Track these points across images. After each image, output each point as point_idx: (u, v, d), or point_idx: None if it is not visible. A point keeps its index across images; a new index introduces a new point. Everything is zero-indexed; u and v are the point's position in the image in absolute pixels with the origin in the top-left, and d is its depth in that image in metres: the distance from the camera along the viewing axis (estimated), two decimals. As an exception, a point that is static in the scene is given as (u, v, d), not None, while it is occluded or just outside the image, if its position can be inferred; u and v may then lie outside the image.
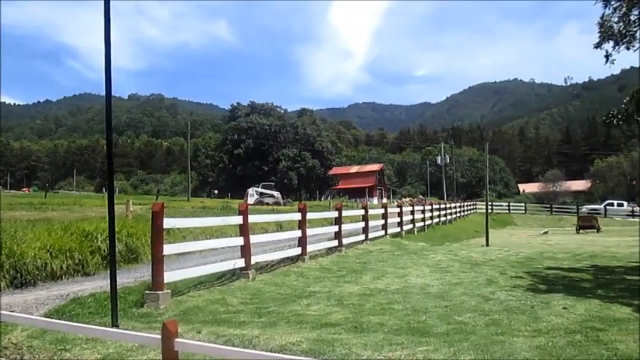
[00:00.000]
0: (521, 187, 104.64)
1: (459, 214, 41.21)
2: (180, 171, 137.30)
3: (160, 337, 3.75)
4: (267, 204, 49.41)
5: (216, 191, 79.54)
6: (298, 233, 12.24)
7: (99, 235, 13.37)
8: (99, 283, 11.44)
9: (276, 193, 58.74)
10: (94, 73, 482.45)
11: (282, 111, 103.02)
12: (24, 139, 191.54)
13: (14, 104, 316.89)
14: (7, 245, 10.93)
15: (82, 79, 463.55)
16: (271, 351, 5.00)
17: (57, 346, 5.29)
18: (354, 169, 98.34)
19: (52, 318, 6.65)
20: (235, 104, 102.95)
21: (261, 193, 56.78)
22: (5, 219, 17.28)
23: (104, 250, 13.15)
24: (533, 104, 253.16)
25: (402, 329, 6.21)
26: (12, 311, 6.44)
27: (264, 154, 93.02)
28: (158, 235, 7.33)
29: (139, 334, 4.08)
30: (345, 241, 15.08)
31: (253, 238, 10.07)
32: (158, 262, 7.31)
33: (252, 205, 46.88)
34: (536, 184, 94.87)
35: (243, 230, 9.65)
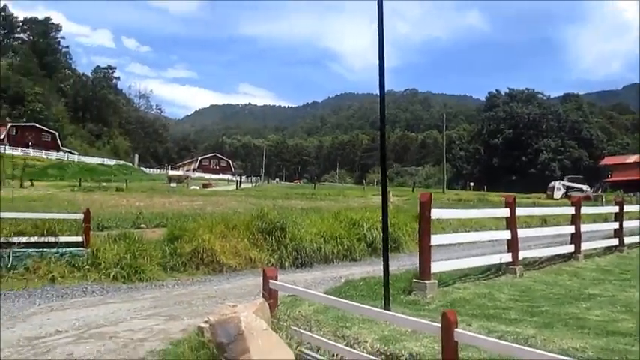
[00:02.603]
0: None
1: None
2: (434, 163, 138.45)
3: (439, 325, 3.77)
4: None
5: (471, 183, 78.12)
6: (570, 229, 11.17)
7: (364, 224, 14.29)
8: (365, 268, 12.20)
9: (585, 187, 54.31)
10: (354, 74, 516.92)
11: (544, 97, 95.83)
12: (296, 137, 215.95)
13: (287, 107, 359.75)
14: (290, 230, 12.41)
15: (342, 80, 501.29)
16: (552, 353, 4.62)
17: (338, 323, 5.76)
18: (632, 158, 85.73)
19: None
20: (494, 92, 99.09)
21: (568, 187, 53.19)
22: (284, 207, 19.71)
23: (369, 238, 14.01)
24: None
25: None
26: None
27: (523, 145, 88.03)
28: (426, 225, 7.43)
29: (419, 320, 4.17)
30: (627, 240, 13.25)
31: (520, 233, 9.49)
32: (426, 252, 7.42)
33: (558, 199, 44.44)
34: None
35: (511, 223, 9.18)
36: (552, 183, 53.13)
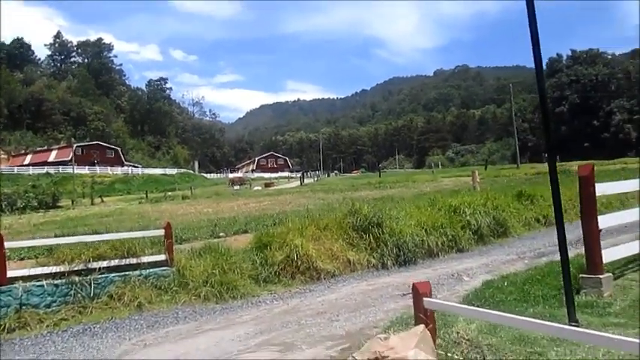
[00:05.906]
0: None
1: None
2: (495, 139, 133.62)
3: None
4: None
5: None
6: None
7: (466, 210, 12.72)
8: (480, 261, 10.63)
9: None
10: (401, 57, 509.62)
11: (609, 56, 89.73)
12: (349, 127, 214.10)
13: (337, 98, 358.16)
14: (388, 224, 10.97)
15: (390, 65, 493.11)
16: None
17: (523, 348, 4.29)
18: None
19: (473, 305, 5.86)
20: (554, 56, 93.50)
21: None
22: (355, 198, 18.29)
23: (473, 225, 12.48)
24: None
25: None
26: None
27: (593, 109, 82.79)
28: (591, 205, 5.82)
29: None
30: None
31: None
32: (594, 238, 5.81)
33: None
34: None
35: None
36: None
